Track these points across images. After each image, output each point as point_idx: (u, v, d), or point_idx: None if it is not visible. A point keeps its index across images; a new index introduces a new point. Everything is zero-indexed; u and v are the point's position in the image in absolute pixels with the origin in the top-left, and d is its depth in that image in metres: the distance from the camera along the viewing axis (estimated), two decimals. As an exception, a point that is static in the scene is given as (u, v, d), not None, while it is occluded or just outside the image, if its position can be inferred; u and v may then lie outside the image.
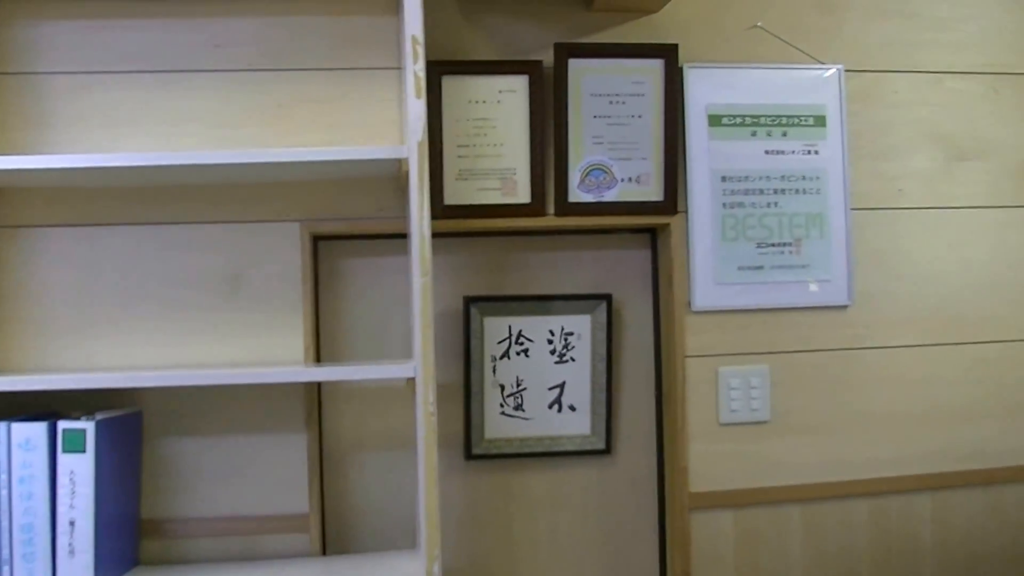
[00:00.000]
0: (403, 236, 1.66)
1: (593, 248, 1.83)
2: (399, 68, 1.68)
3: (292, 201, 1.68)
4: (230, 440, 1.67)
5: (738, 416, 1.77)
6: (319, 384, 1.75)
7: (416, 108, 1.44)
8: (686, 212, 1.76)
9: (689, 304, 1.76)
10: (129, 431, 1.59)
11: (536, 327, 1.80)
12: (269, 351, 1.68)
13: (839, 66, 1.81)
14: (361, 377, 1.48)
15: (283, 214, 1.68)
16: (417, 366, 1.43)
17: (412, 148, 1.43)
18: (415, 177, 1.43)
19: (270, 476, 1.67)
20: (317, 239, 1.76)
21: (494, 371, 1.79)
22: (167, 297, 1.66)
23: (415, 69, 1.44)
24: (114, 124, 1.65)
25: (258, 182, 1.66)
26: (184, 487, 1.66)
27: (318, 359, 1.76)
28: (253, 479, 1.67)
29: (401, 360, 1.50)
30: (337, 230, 1.70)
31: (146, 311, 1.66)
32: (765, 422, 1.78)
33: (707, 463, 1.76)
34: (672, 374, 1.76)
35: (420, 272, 1.43)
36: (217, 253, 1.67)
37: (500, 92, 1.70)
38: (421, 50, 1.44)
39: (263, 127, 1.68)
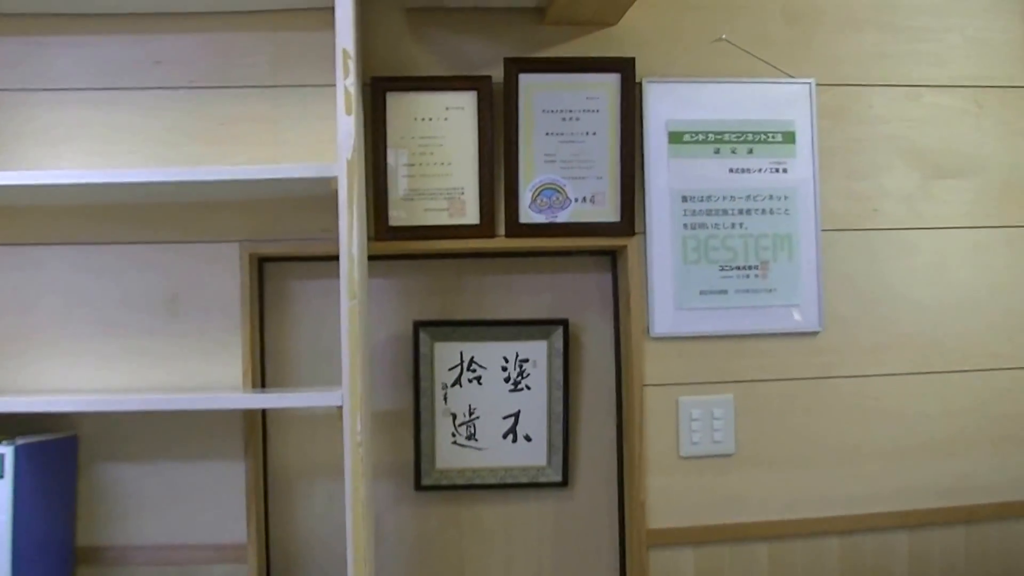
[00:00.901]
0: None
1: (551, 271, 1.76)
2: (342, 84, 1.62)
3: (232, 221, 1.62)
4: (169, 466, 1.62)
5: (700, 448, 1.68)
6: (264, 410, 1.69)
7: (346, 125, 1.37)
8: (644, 233, 1.68)
9: (647, 330, 1.68)
10: (60, 456, 1.54)
11: (489, 353, 1.72)
12: (208, 376, 1.62)
13: (810, 80, 1.73)
14: (284, 405, 1.43)
15: (223, 234, 1.62)
16: (345, 394, 1.36)
17: (341, 166, 1.37)
18: (344, 196, 1.37)
19: (209, 504, 1.61)
20: (263, 261, 1.70)
21: (445, 399, 1.72)
22: (105, 319, 1.61)
23: (346, 84, 1.38)
24: (52, 142, 1.61)
25: (197, 201, 1.61)
26: (122, 514, 1.60)
27: (263, 383, 1.70)
28: (191, 507, 1.61)
29: (331, 387, 1.43)
30: (279, 251, 1.64)
31: (83, 333, 1.61)
32: (729, 455, 1.69)
33: (667, 498, 1.67)
34: (630, 404, 1.68)
35: (348, 295, 1.36)
36: (156, 274, 1.62)
37: (448, 109, 1.63)
38: (352, 64, 1.38)
39: (205, 145, 1.63)
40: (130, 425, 1.60)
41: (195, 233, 1.62)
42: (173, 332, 1.62)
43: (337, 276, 1.66)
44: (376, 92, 1.61)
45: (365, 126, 1.61)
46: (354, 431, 1.35)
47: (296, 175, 1.40)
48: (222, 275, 1.63)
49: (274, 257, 1.68)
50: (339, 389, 1.38)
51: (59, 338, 1.60)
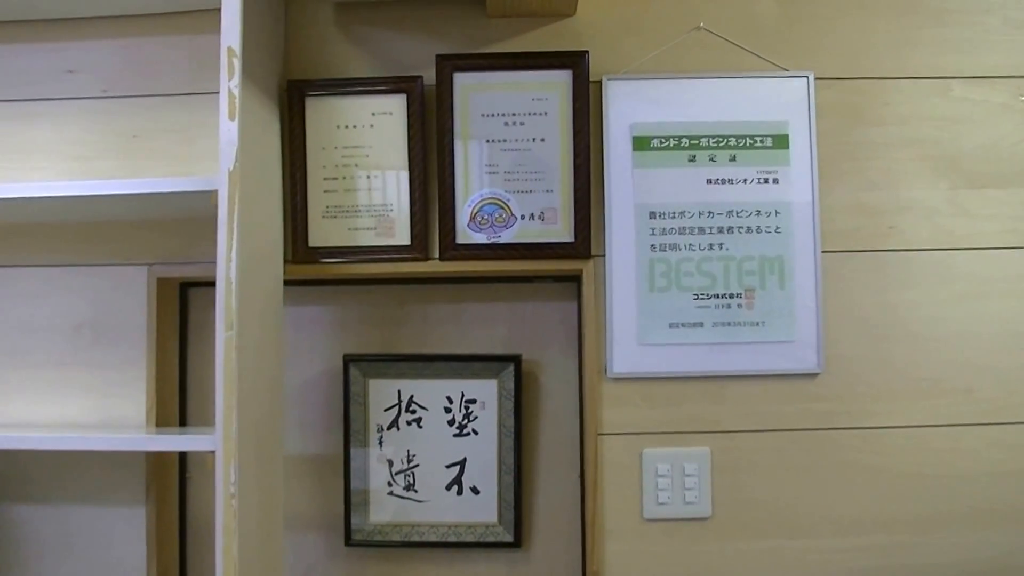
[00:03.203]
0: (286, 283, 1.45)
1: (506, 299, 1.53)
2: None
3: (139, 241, 1.49)
4: (67, 510, 1.48)
5: (668, 510, 1.42)
6: (183, 452, 1.53)
7: (229, 132, 1.21)
8: (603, 256, 1.44)
9: (605, 369, 1.43)
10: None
11: (431, 392, 1.51)
12: (116, 411, 1.48)
13: (807, 73, 1.46)
14: (148, 448, 1.26)
15: (131, 256, 1.48)
16: (218, 438, 1.18)
17: (222, 179, 1.20)
18: (224, 212, 1.20)
19: (107, 553, 1.46)
20: (186, 286, 1.55)
21: (380, 443, 1.51)
22: (4, 347, 1.48)
23: (230, 86, 1.21)
24: (-41, 158, 1.51)
25: (106, 220, 1.48)
26: (14, 560, 1.47)
27: (183, 420, 1.54)
28: (89, 556, 1.46)
29: (206, 429, 1.26)
30: (195, 275, 1.48)
31: (-16, 362, 1.49)
32: (704, 519, 1.42)
33: (628, 567, 1.42)
34: (586, 455, 1.43)
35: (224, 326, 1.19)
36: (62, 299, 1.49)
37: (374, 115, 1.44)
38: (238, 63, 1.21)
39: (118, 159, 1.50)
40: (22, 464, 1.46)
41: (103, 255, 1.49)
42: (79, 362, 1.48)
43: (286, 303, 1.51)
44: (293, 97, 1.44)
45: (282, 135, 1.45)
46: (227, 481, 1.17)
47: (171, 189, 1.25)
48: (132, 301, 1.48)
49: (199, 282, 1.52)
50: (211, 433, 1.20)
51: (-42, 368, 1.48)
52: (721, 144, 1.44)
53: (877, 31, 1.48)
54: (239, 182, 1.20)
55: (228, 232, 1.20)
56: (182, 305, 1.56)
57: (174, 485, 1.52)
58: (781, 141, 1.45)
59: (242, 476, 1.19)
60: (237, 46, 1.22)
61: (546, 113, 1.43)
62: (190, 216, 1.42)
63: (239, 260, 1.20)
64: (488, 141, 1.43)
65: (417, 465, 1.51)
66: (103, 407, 1.48)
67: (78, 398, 1.47)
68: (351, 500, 1.50)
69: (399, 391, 1.51)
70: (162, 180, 1.26)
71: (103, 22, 1.51)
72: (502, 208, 1.43)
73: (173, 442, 1.25)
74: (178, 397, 1.54)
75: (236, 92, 1.21)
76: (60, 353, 1.48)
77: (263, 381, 1.31)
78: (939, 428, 1.43)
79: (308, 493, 1.53)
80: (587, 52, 1.42)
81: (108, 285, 1.48)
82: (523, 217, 1.43)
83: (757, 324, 1.43)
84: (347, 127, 1.44)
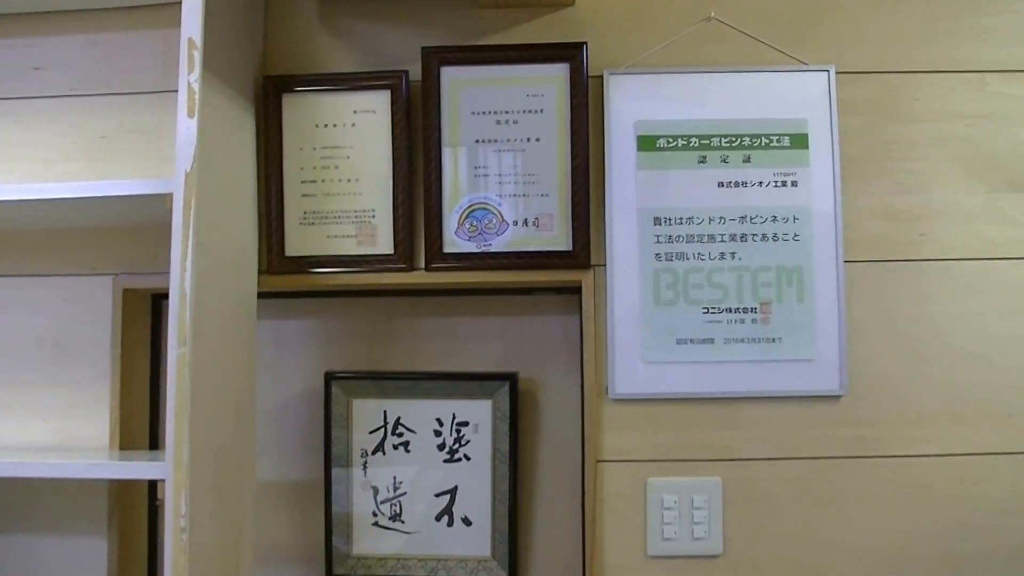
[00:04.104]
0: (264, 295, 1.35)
1: (501, 312, 1.42)
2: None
3: (105, 250, 1.39)
4: (29, 540, 1.37)
5: (675, 546, 1.29)
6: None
7: (187, 130, 1.11)
8: (604, 266, 1.31)
9: (606, 390, 1.30)
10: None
11: (419, 414, 1.40)
12: (78, 431, 1.38)
13: (828, 67, 1.33)
14: (83, 476, 1.15)
15: (96, 266, 1.38)
16: (168, 466, 1.07)
17: (178, 181, 1.10)
18: (179, 217, 1.10)
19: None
20: (160, 297, 1.44)
21: (365, 469, 1.40)
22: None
23: (189, 80, 1.12)
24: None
25: (66, 227, 1.39)
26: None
27: (154, 443, 1.44)
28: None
29: (160, 455, 1.15)
30: (161, 285, 1.36)
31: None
32: (714, 556, 1.29)
33: (630, 610, 1.28)
34: (587, 485, 1.31)
35: (177, 342, 1.08)
36: (22, 312, 1.39)
37: (355, 113, 1.33)
38: (198, 56, 1.11)
39: (86, 161, 1.42)
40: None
41: (66, 265, 1.39)
42: (39, 380, 1.39)
43: (264, 317, 1.41)
44: (270, 94, 1.33)
45: (257, 135, 1.35)
46: (177, 514, 1.06)
47: (122, 192, 1.15)
48: (97, 314, 1.37)
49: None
50: (161, 460, 1.09)
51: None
52: (734, 144, 1.32)
53: (905, 21, 1.35)
54: (196, 184, 1.10)
55: (183, 239, 1.10)
56: (155, 318, 1.45)
57: (141, 513, 1.41)
58: (800, 141, 1.32)
59: (198, 507, 1.08)
60: (198, 37, 1.12)
61: (542, 110, 1.31)
62: (161, 222, 1.31)
63: (196, 270, 1.10)
64: (478, 141, 1.32)
65: (404, 493, 1.40)
66: (65, 429, 1.38)
67: (38, 419, 1.37)
68: (332, 530, 1.39)
69: (385, 412, 1.40)
70: (114, 183, 1.16)
71: (72, 16, 1.42)
72: (492, 214, 1.32)
73: (115, 469, 1.14)
74: (148, 417, 1.44)
75: (196, 87, 1.11)
76: (18, 371, 1.38)
77: (227, 402, 1.20)
78: (976, 456, 1.29)
79: (286, 522, 1.41)
80: (585, 43, 1.30)
81: (71, 297, 1.39)
82: (515, 223, 1.31)
83: (773, 341, 1.30)
84: (327, 126, 1.34)
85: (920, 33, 1.35)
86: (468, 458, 1.39)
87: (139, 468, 1.12)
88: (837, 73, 1.33)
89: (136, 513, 1.41)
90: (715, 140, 1.32)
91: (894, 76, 1.35)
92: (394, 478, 1.40)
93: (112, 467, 1.14)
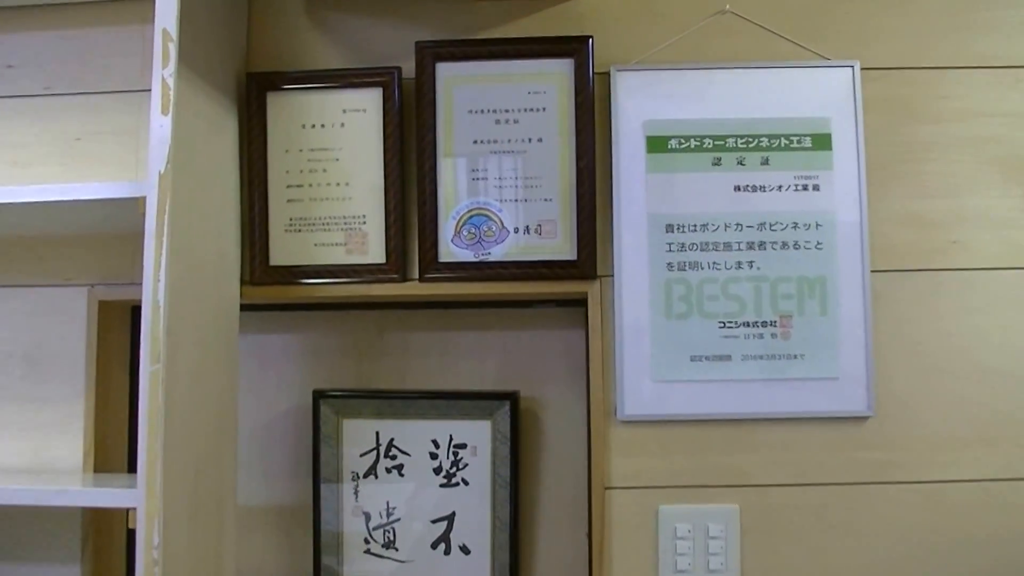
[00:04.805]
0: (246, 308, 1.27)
1: (500, 326, 1.33)
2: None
3: (79, 260, 1.31)
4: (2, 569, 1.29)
5: (689, 579, 1.19)
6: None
7: (161, 128, 1.02)
8: (611, 276, 1.22)
9: (614, 411, 1.21)
10: None
11: (414, 435, 1.31)
12: (52, 452, 1.29)
13: (852, 62, 1.24)
14: (45, 504, 1.06)
15: (70, 276, 1.30)
16: (140, 494, 0.98)
17: (151, 183, 1.01)
18: (152, 223, 1.02)
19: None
20: (139, 310, 1.35)
21: (356, 493, 1.31)
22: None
23: (164, 74, 1.03)
24: None
25: (37, 234, 1.30)
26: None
27: (132, 466, 1.34)
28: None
29: (126, 482, 1.06)
30: (135, 297, 1.28)
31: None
32: (732, 590, 1.19)
33: (641, 648, 1.19)
34: (594, 512, 1.21)
35: (150, 358, 1.00)
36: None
37: (345, 112, 1.25)
38: (174, 49, 1.03)
39: (60, 164, 1.34)
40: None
41: (38, 275, 1.30)
42: (9, 398, 1.30)
43: (248, 331, 1.32)
44: (253, 92, 1.25)
45: (240, 136, 1.26)
46: (149, 545, 0.98)
47: (93, 196, 1.07)
48: (71, 327, 1.29)
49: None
50: (132, 486, 1.01)
51: None
52: (751, 145, 1.23)
53: (933, 13, 1.26)
54: (171, 187, 1.01)
55: (156, 247, 1.02)
56: (134, 332, 1.37)
57: (118, 538, 1.33)
58: (822, 141, 1.23)
59: (173, 536, 1.00)
60: (173, 28, 1.04)
61: (544, 109, 1.22)
62: (139, 230, 1.23)
63: (171, 280, 1.02)
64: (476, 142, 1.23)
65: (398, 519, 1.31)
66: (37, 449, 1.29)
67: (7, 439, 1.28)
68: (321, 559, 1.31)
69: (377, 433, 1.31)
70: (83, 185, 1.07)
71: (46, 11, 1.34)
72: (491, 220, 1.23)
73: (82, 497, 1.05)
74: (127, 437, 1.35)
75: (171, 82, 1.03)
76: (-4, 385, 1.29)
77: (205, 423, 1.11)
78: (1012, 482, 1.20)
79: (272, 550, 1.33)
80: (591, 37, 1.21)
81: (43, 309, 1.30)
82: (516, 230, 1.22)
83: (795, 357, 1.21)
84: (314, 126, 1.25)
85: (949, 26, 1.26)
86: (466, 482, 1.30)
87: (108, 496, 1.03)
88: (861, 69, 1.24)
89: (113, 538, 1.32)
90: (731, 141, 1.23)
91: (921, 72, 1.26)
92: (387, 503, 1.31)
93: (79, 494, 1.05)
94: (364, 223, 1.24)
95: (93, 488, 1.06)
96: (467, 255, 1.23)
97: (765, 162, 1.23)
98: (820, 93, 1.24)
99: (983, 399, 1.21)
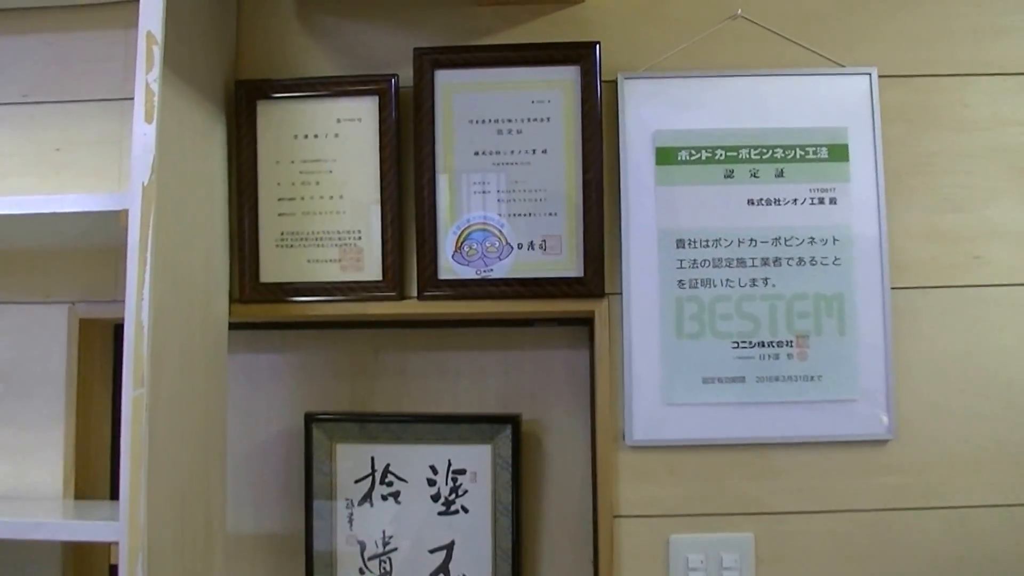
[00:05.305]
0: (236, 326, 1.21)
1: (500, 346, 1.27)
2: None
3: (59, 276, 1.25)
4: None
5: (702, 612, 1.13)
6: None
7: (145, 137, 0.97)
8: (619, 294, 1.17)
9: (622, 436, 1.15)
10: None
11: (411, 460, 1.25)
12: (31, 477, 1.24)
13: (870, 69, 1.19)
14: (37, 537, 1.00)
15: (50, 293, 1.24)
16: (122, 528, 0.92)
17: (135, 195, 0.95)
18: (135, 237, 0.96)
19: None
20: (122, 328, 1.29)
21: (351, 521, 1.25)
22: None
23: (148, 79, 0.98)
24: None
25: (16, 249, 1.25)
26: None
27: (115, 491, 1.28)
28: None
29: (108, 512, 1.00)
30: (118, 315, 1.22)
31: None
32: (747, 624, 1.13)
33: None
34: (601, 542, 1.16)
35: (133, 382, 0.94)
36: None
37: (339, 122, 1.19)
38: (158, 52, 0.97)
39: (38, 176, 1.28)
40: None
41: (16, 292, 1.25)
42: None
43: (237, 351, 1.26)
44: (242, 100, 1.19)
45: (228, 146, 1.20)
46: (132, 579, 0.91)
47: (72, 208, 1.01)
48: (52, 346, 1.23)
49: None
50: (114, 519, 0.95)
51: None
52: (765, 156, 1.18)
53: (953, 18, 1.22)
54: (155, 199, 0.95)
55: (140, 262, 0.96)
56: (117, 352, 1.30)
57: (101, 571, 1.26)
58: (839, 152, 1.18)
59: (159, 569, 0.94)
60: (158, 31, 0.98)
61: (548, 119, 1.17)
62: (122, 245, 1.17)
63: (155, 298, 0.96)
64: (477, 153, 1.17)
65: (395, 549, 1.25)
66: (14, 474, 1.23)
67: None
68: (313, 591, 1.24)
69: (372, 458, 1.25)
70: (61, 197, 1.01)
71: (24, 15, 1.28)
72: (494, 236, 1.17)
73: (60, 530, 0.98)
74: (109, 462, 1.29)
75: (155, 88, 0.97)
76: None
77: (192, 448, 1.05)
78: (1042, 509, 1.15)
79: (264, 580, 1.26)
80: (597, 43, 1.16)
81: (20, 327, 1.24)
82: (520, 246, 1.17)
83: (812, 379, 1.15)
84: (307, 137, 1.19)
85: (969, 31, 1.21)
86: (466, 510, 1.24)
87: (88, 529, 0.97)
88: (879, 76, 1.19)
89: (95, 570, 1.26)
90: (743, 152, 1.18)
91: (941, 80, 1.21)
92: (383, 532, 1.25)
93: (59, 527, 0.99)
94: (359, 238, 1.18)
95: (73, 521, 0.99)
96: (468, 272, 1.17)
97: (779, 174, 1.18)
98: (836, 101, 1.19)
99: (1009, 421, 1.16)
